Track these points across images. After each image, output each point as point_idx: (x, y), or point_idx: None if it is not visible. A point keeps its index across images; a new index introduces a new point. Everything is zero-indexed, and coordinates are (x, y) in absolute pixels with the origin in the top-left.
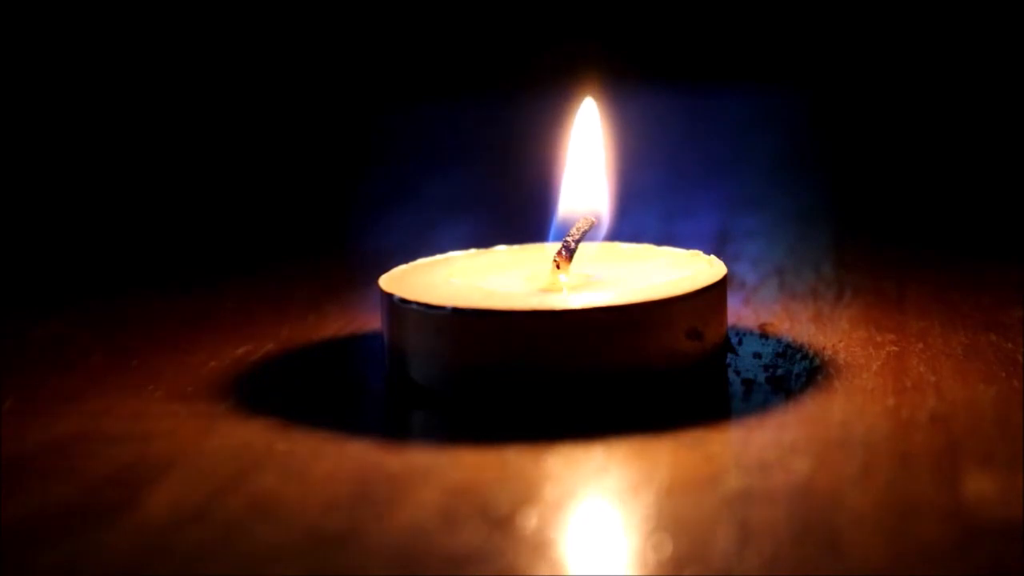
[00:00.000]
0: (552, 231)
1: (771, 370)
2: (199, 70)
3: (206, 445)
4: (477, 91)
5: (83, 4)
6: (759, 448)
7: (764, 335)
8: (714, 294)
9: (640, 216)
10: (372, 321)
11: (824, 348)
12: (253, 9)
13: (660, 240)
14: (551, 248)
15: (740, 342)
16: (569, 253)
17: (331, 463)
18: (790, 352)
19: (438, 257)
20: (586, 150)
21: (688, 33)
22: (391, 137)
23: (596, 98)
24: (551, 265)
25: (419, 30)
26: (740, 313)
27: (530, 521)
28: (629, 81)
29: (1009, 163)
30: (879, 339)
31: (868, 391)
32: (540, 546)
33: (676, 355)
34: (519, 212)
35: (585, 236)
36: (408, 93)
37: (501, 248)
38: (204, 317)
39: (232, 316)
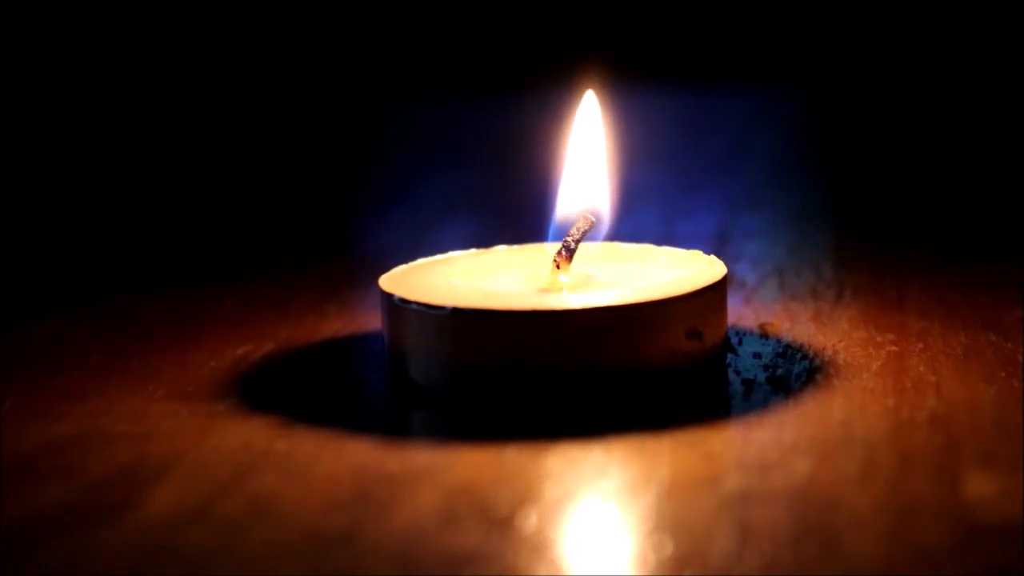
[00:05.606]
0: (551, 231)
1: (771, 370)
2: (200, 71)
3: (206, 445)
4: (476, 91)
5: (83, 4)
6: (759, 448)
7: (764, 335)
8: (714, 294)
9: (640, 216)
10: (372, 321)
11: (824, 348)
12: (252, 10)
13: (660, 240)
14: (551, 248)
15: (740, 342)
16: (569, 253)
17: (331, 463)
18: (790, 352)
19: (438, 257)
20: (587, 147)
21: (688, 33)
22: (391, 137)
23: (596, 92)
24: (551, 265)
25: (419, 29)
26: (740, 313)
27: (530, 521)
28: (628, 81)
29: (1008, 163)
30: (879, 339)
31: (868, 391)
32: (540, 546)
33: (676, 355)
34: (519, 212)
35: (585, 236)
36: (408, 93)
37: (501, 248)
38: (204, 317)
39: (232, 316)
